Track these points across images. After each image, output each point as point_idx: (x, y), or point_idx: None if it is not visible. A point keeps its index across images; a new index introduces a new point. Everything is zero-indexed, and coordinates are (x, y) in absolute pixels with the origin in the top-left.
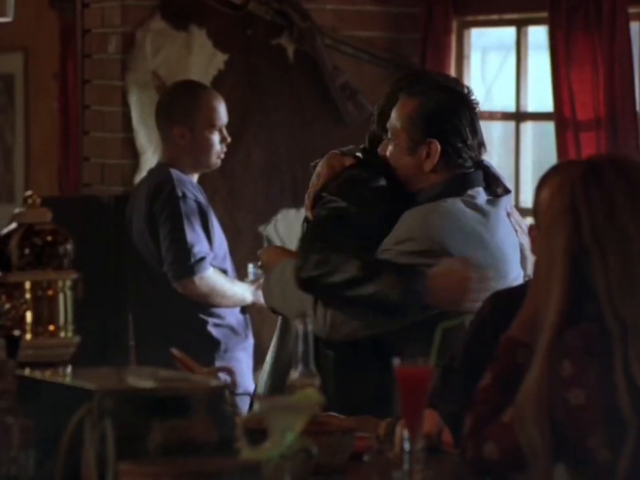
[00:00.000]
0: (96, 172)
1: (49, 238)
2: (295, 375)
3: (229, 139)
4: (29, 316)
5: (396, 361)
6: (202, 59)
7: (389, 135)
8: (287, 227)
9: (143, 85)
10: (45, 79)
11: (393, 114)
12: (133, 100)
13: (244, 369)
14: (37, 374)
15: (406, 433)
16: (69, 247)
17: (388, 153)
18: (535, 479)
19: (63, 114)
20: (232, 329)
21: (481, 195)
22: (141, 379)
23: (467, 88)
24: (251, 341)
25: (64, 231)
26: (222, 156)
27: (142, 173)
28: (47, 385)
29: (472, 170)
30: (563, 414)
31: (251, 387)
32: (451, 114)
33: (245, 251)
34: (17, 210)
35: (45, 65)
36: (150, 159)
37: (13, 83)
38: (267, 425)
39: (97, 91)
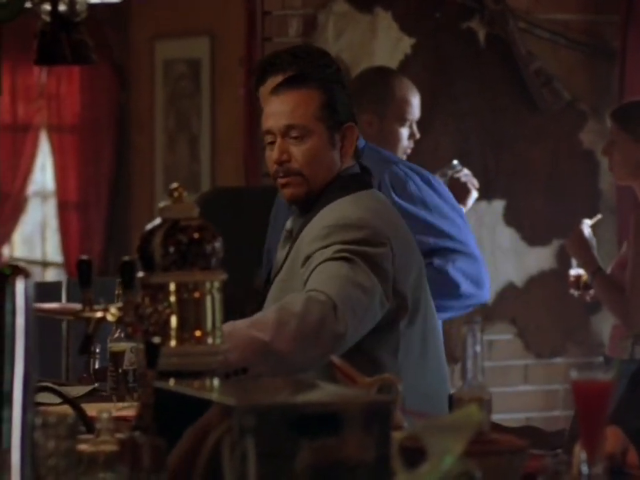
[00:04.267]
0: None
1: (196, 235)
2: (462, 386)
3: (417, 135)
4: (173, 320)
5: (573, 374)
6: (387, 43)
7: (286, 136)
8: (476, 221)
9: None
10: (231, 64)
11: (291, 111)
12: None
13: None
14: (173, 385)
15: (584, 454)
16: (217, 245)
17: (301, 156)
18: None
19: (248, 100)
20: None
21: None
22: (289, 392)
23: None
24: None
25: (212, 227)
26: (408, 152)
27: None
28: (182, 399)
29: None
30: None
31: None
32: (346, 92)
33: None
34: (161, 204)
35: (231, 49)
36: None
37: (200, 68)
38: (424, 446)
39: None
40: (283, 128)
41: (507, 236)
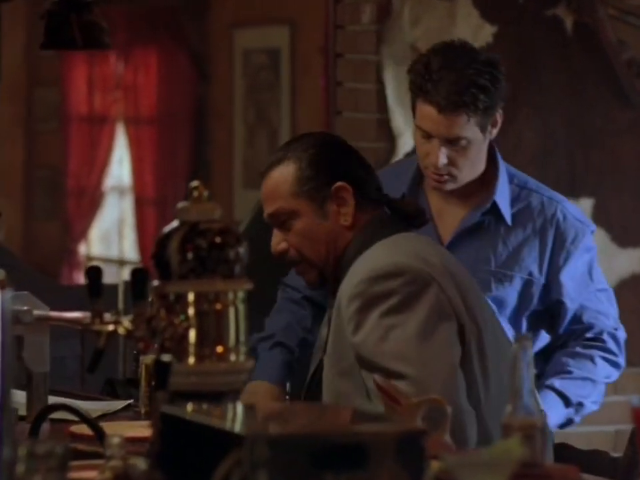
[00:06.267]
0: None
1: (217, 239)
2: (512, 411)
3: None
4: (192, 335)
5: (635, 402)
6: (467, 31)
7: (276, 224)
8: None
9: (399, 59)
10: (312, 54)
11: (268, 199)
12: (388, 76)
13: None
14: (178, 410)
15: None
16: (241, 250)
17: (294, 241)
18: None
19: (327, 92)
20: None
21: None
22: (310, 420)
23: None
24: None
25: (235, 230)
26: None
27: (398, 158)
28: (188, 425)
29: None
30: None
31: None
32: (336, 144)
33: None
34: (180, 204)
35: (311, 38)
36: (408, 142)
37: (279, 57)
38: None
39: (350, 66)
40: (269, 218)
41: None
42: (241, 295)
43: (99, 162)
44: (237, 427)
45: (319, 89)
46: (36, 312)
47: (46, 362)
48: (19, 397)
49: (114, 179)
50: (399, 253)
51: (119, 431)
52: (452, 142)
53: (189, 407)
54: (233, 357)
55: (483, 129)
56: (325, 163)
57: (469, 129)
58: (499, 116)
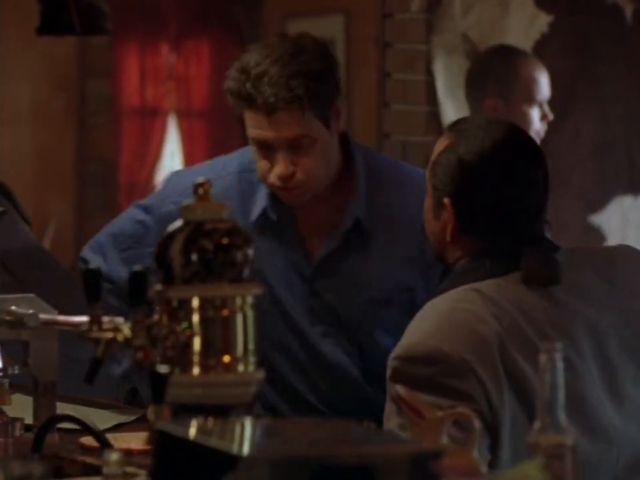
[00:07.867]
0: (397, 150)
1: (224, 240)
2: (539, 429)
3: (550, 117)
4: (196, 343)
5: None
6: (521, 21)
7: None
8: (620, 218)
9: (450, 49)
10: (367, 45)
11: None
12: (439, 67)
13: None
14: (170, 427)
15: None
16: (250, 252)
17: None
18: None
19: (382, 85)
20: None
21: None
22: (313, 440)
23: None
24: None
25: (243, 231)
26: (542, 135)
27: None
28: (185, 444)
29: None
30: None
31: None
32: (485, 162)
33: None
34: (185, 202)
35: (366, 28)
36: None
37: (333, 48)
38: None
39: (399, 57)
40: None
41: None
42: (249, 300)
43: (150, 156)
44: (235, 447)
45: (374, 80)
46: (42, 316)
47: (54, 368)
48: (27, 404)
49: (166, 173)
50: (447, 333)
51: (130, 442)
52: (292, 146)
53: (186, 423)
54: (241, 368)
55: (327, 124)
56: (458, 170)
57: (308, 125)
58: (341, 105)
